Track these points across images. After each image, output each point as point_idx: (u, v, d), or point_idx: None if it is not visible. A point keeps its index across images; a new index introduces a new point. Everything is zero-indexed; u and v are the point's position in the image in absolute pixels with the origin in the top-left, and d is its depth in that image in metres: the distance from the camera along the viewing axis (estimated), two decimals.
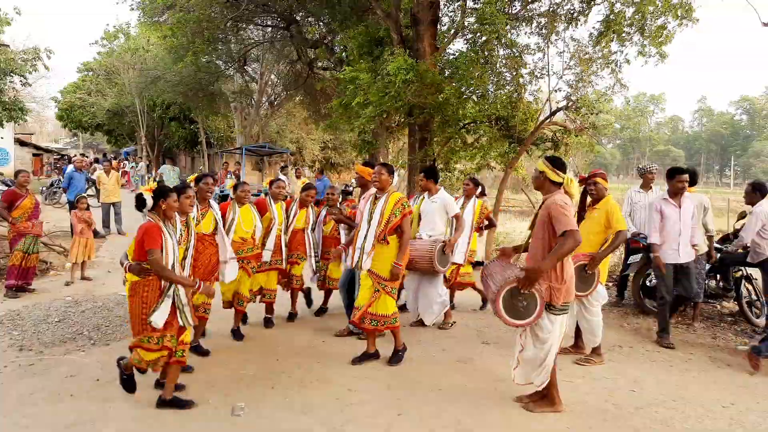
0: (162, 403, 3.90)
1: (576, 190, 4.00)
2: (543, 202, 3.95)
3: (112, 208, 12.07)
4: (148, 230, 3.76)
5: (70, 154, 39.75)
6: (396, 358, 5.00)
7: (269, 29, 20.33)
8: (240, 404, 3.97)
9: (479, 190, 6.81)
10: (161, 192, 3.90)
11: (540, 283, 3.79)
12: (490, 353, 5.38)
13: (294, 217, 6.18)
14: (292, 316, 6.40)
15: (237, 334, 5.62)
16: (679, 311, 6.74)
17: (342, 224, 6.02)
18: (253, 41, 21.27)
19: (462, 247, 6.46)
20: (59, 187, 18.23)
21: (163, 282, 3.82)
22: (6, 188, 9.23)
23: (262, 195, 6.38)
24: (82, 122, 38.89)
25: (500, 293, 3.80)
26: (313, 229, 6.38)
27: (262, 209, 5.87)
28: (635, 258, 7.09)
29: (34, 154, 39.34)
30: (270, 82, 25.60)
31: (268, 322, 6.07)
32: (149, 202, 3.87)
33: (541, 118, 10.83)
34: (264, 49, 21.92)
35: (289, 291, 6.41)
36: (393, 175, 5.16)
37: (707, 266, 6.56)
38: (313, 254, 6.30)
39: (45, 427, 3.61)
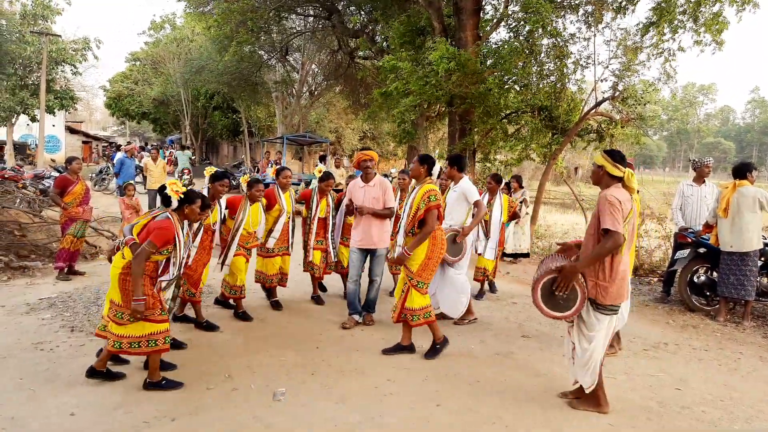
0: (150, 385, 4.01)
1: (636, 184, 3.85)
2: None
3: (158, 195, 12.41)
4: (163, 228, 3.84)
5: (118, 142, 41.03)
6: (433, 351, 4.91)
7: (311, 19, 20.47)
8: (281, 389, 4.04)
9: (502, 185, 7.15)
10: (188, 197, 4.05)
11: (584, 278, 3.70)
12: (531, 347, 5.31)
13: (317, 207, 6.39)
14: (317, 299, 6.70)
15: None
16: (729, 309, 6.54)
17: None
18: (295, 31, 21.46)
19: (492, 243, 6.86)
20: (107, 174, 18.99)
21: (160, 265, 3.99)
22: (58, 174, 9.55)
23: (303, 184, 6.49)
24: (129, 111, 40.09)
25: (539, 283, 3.73)
26: (334, 216, 6.51)
27: (271, 200, 6.07)
28: (683, 253, 6.86)
29: (83, 142, 40.73)
30: (311, 72, 25.77)
31: (276, 305, 6.29)
32: (174, 202, 4.00)
33: (586, 108, 10.59)
34: (305, 38, 22.07)
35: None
36: (429, 166, 4.92)
37: (760, 263, 6.33)
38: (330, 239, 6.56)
39: (93, 408, 3.72)
